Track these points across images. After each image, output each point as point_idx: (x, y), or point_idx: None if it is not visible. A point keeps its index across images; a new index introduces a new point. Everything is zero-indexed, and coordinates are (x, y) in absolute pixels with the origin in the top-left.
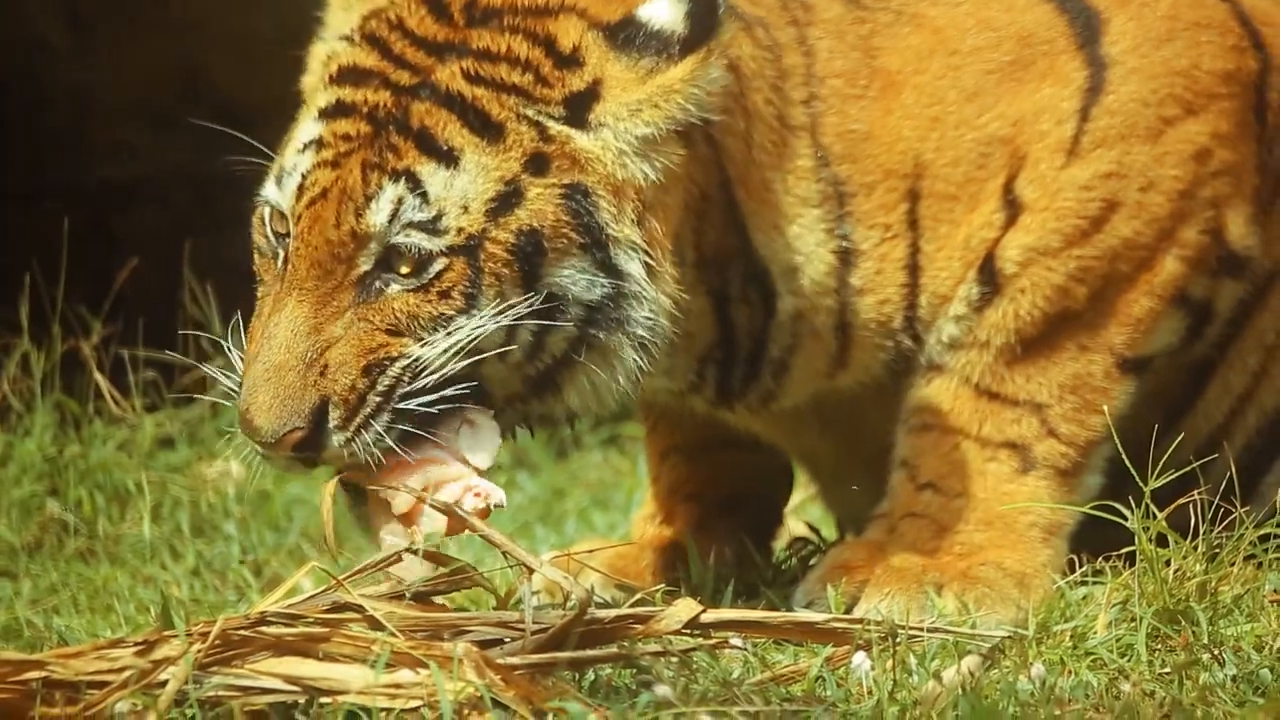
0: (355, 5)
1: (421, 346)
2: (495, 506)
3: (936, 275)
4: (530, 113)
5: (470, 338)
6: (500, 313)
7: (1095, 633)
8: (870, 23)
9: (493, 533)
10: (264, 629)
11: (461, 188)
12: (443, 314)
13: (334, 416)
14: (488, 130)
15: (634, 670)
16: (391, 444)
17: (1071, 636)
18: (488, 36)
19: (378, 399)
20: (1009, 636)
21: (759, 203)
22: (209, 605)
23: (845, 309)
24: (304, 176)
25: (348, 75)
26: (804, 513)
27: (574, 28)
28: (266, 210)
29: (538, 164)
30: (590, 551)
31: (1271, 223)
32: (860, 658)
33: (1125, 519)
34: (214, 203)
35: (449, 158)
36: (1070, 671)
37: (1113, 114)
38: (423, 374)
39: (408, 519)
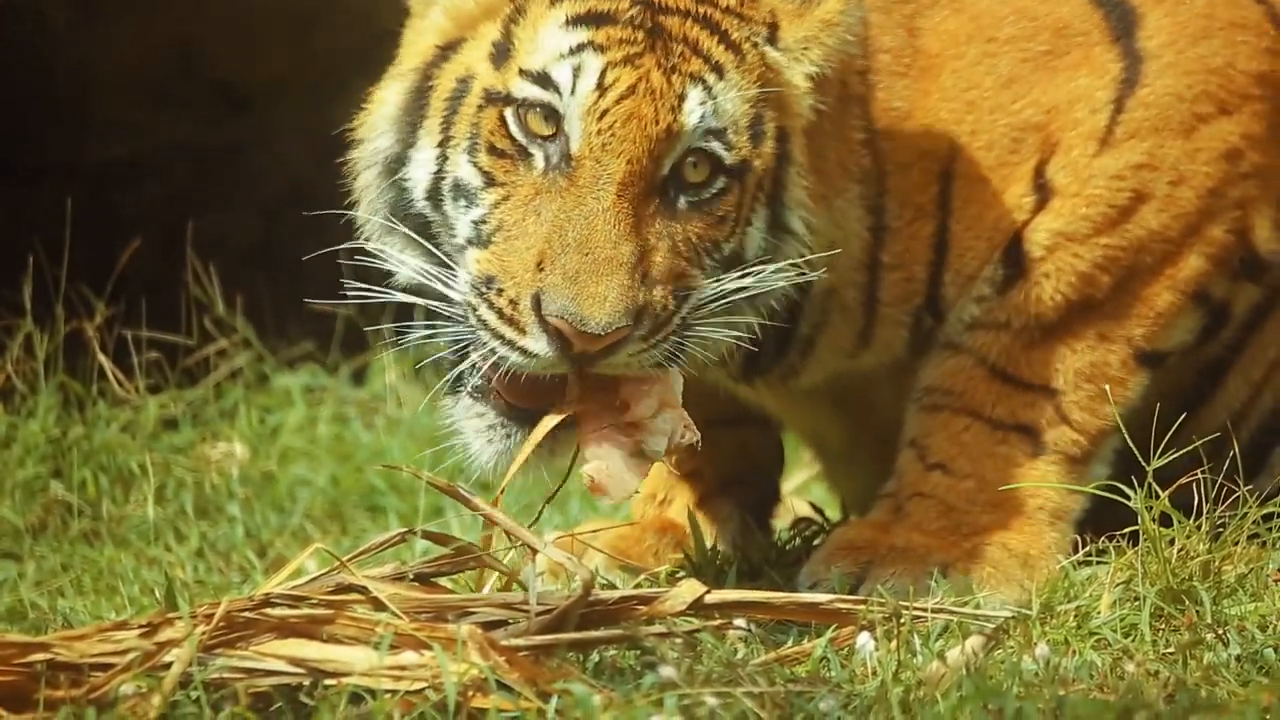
0: None
1: (712, 283)
2: (693, 445)
3: (963, 255)
4: (749, 33)
5: (742, 285)
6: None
7: (1099, 612)
8: (913, 3)
9: (496, 513)
10: (268, 611)
11: (732, 103)
12: (716, 241)
13: (644, 325)
14: (732, 47)
15: (638, 651)
16: (661, 363)
17: (1075, 616)
18: None
19: (678, 322)
20: (1013, 617)
21: (814, 172)
22: (213, 587)
23: (875, 284)
24: (601, 75)
25: None
26: (807, 492)
27: None
28: (512, 110)
29: (766, 93)
30: (594, 532)
31: None
32: (864, 638)
33: (1129, 498)
34: (214, 180)
35: (719, 69)
36: (1074, 651)
37: (1147, 106)
38: (704, 308)
39: (642, 428)
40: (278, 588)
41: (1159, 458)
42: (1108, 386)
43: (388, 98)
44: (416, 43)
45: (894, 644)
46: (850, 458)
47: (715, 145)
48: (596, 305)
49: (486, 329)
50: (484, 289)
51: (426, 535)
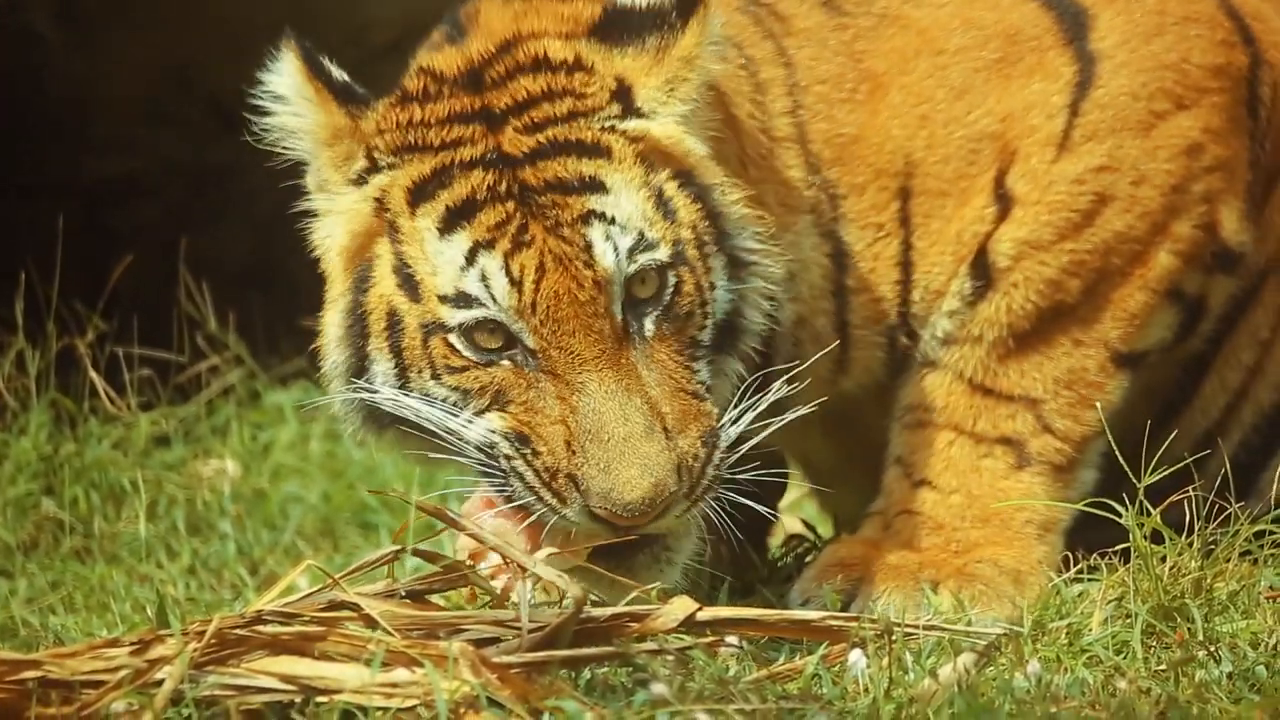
0: (350, 143)
1: (726, 414)
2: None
3: (929, 271)
4: (599, 124)
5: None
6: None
7: (1091, 630)
8: (852, 28)
9: (485, 533)
10: (260, 628)
11: (629, 204)
12: (694, 338)
13: (684, 481)
14: (594, 152)
15: (630, 669)
16: (706, 512)
17: (1067, 633)
18: (502, 94)
19: (713, 473)
20: (1004, 634)
21: (758, 207)
22: (205, 604)
23: (843, 309)
24: (506, 273)
25: (428, 185)
26: (799, 510)
27: (557, 47)
28: (456, 335)
29: (647, 163)
30: (586, 549)
31: (1264, 219)
32: (856, 655)
33: (1120, 516)
34: (207, 197)
35: (597, 185)
36: (1066, 669)
37: (1103, 108)
38: (725, 443)
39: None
40: (269, 605)
41: (1150, 474)
42: (1087, 391)
43: (331, 321)
44: (333, 277)
45: (886, 661)
46: (840, 477)
47: (644, 257)
48: (634, 488)
49: (523, 483)
50: (519, 444)
51: (418, 553)
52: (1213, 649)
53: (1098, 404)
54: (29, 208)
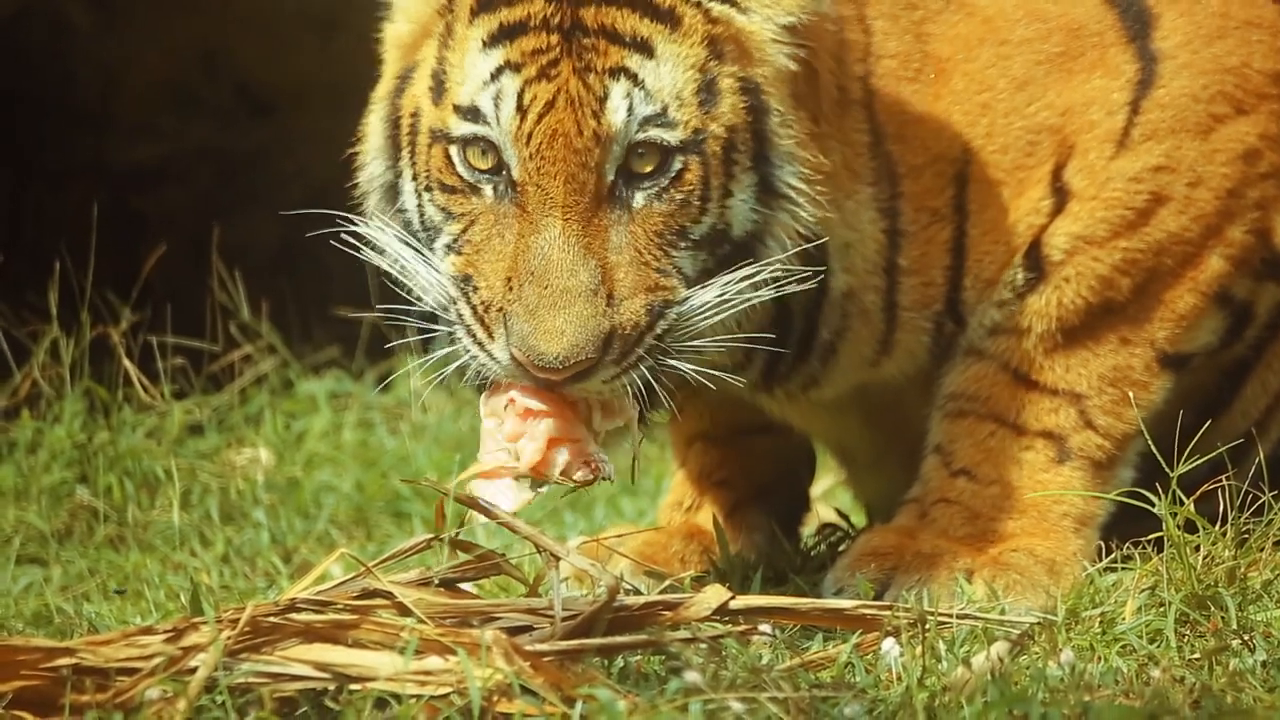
0: None
1: (693, 292)
2: (604, 479)
3: (981, 259)
4: None
5: (734, 283)
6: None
7: (1124, 619)
8: (922, 8)
9: (518, 522)
10: (293, 616)
11: (669, 77)
12: (684, 227)
13: (614, 349)
14: (661, 16)
15: (663, 657)
16: (640, 390)
17: (1100, 622)
18: None
19: (652, 342)
20: (1038, 622)
21: (820, 172)
22: (238, 592)
23: (893, 289)
24: (519, 97)
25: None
26: (833, 498)
27: None
28: (455, 148)
29: (715, 49)
30: (619, 537)
31: None
32: (889, 644)
33: (1153, 505)
34: (238, 184)
35: (645, 48)
36: (1100, 657)
37: (1163, 108)
38: (688, 324)
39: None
40: (303, 593)
41: (1184, 464)
42: (1131, 390)
43: (372, 126)
44: (385, 70)
45: (919, 650)
46: (877, 468)
47: (655, 131)
48: (554, 340)
49: (463, 324)
50: (463, 284)
51: (452, 542)
52: (1247, 638)
53: (1140, 403)
54: (58, 194)
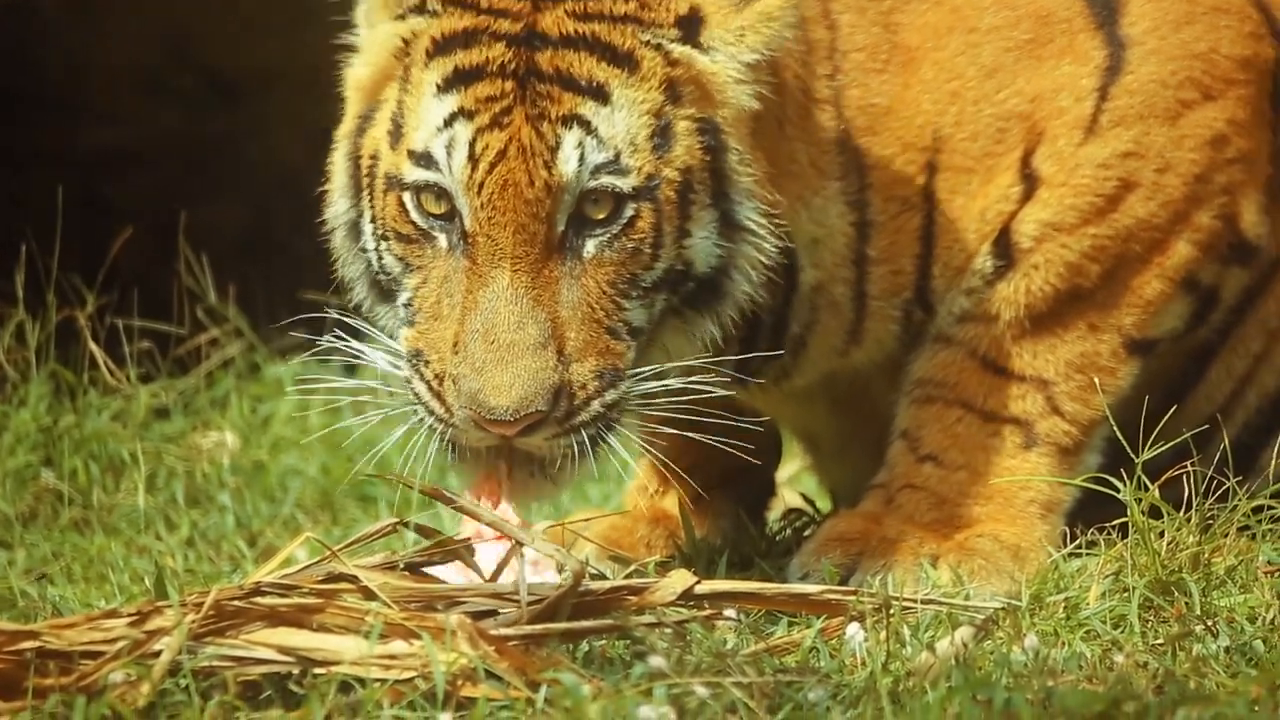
0: None
1: (646, 372)
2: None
3: (951, 247)
4: (648, 37)
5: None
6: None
7: (1088, 604)
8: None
9: (481, 509)
10: (258, 599)
11: (623, 124)
12: (635, 275)
13: (561, 407)
14: (620, 60)
15: (628, 641)
16: (588, 451)
17: (1065, 608)
18: None
19: (600, 408)
20: (1002, 608)
21: (786, 175)
22: (203, 576)
23: (863, 279)
24: (470, 146)
25: (451, 42)
26: (799, 484)
27: None
28: (409, 195)
29: (673, 92)
30: (584, 522)
31: (1279, 211)
32: (854, 629)
33: (1118, 491)
34: (206, 169)
35: (600, 94)
36: (1064, 643)
37: (1131, 94)
38: (635, 400)
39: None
40: (268, 576)
41: (1148, 449)
42: (1098, 376)
43: (337, 164)
44: (347, 110)
45: (883, 635)
46: (843, 454)
47: (608, 179)
48: (502, 394)
49: (420, 402)
50: (414, 360)
51: (417, 528)
52: (1210, 623)
53: (1107, 389)
54: (25, 178)
